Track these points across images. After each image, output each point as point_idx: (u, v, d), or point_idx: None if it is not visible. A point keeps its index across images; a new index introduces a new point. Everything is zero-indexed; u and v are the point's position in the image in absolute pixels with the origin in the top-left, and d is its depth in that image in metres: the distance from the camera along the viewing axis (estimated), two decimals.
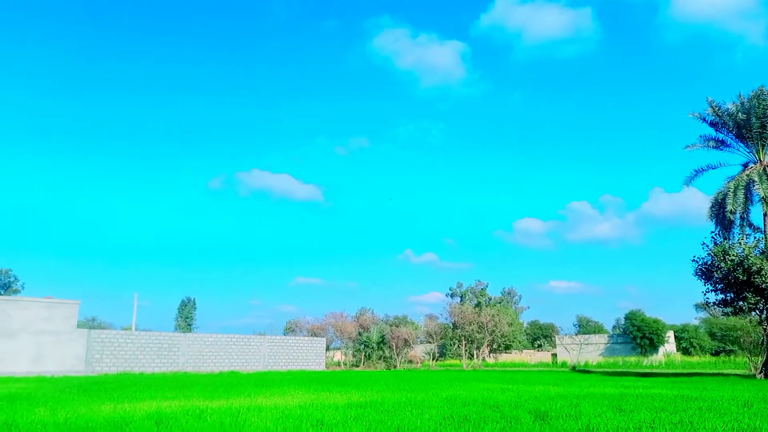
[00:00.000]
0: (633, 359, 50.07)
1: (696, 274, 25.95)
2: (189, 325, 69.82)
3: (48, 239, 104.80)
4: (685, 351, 59.07)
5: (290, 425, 6.14)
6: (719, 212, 28.29)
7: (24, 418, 6.91)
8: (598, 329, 77.04)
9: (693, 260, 26.09)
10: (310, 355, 39.00)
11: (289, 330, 52.05)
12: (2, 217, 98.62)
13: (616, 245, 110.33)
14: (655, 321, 55.09)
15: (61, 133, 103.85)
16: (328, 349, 46.66)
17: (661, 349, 54.41)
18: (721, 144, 29.52)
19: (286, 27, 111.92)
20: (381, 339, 47.41)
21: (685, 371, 32.78)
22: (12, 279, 66.04)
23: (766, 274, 22.71)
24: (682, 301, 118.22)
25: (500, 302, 66.92)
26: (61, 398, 10.55)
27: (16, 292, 64.26)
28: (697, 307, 67.94)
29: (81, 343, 29.45)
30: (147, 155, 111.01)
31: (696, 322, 64.67)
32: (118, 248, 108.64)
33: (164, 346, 32.41)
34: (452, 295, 67.06)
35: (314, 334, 45.24)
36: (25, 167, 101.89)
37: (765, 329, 25.03)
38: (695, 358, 52.69)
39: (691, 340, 60.21)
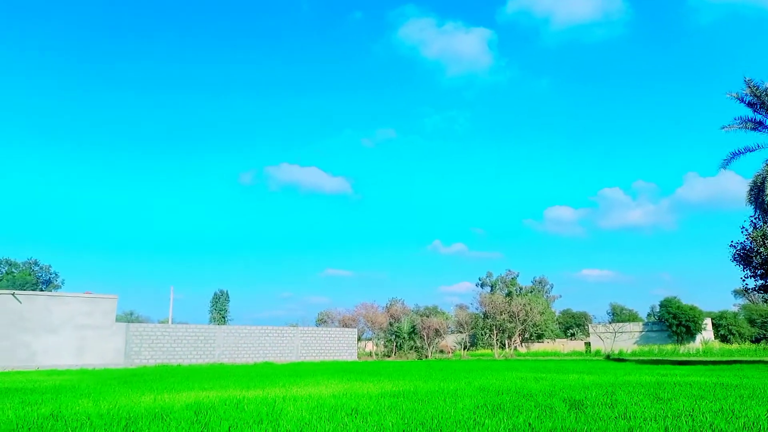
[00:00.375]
0: (669, 347, 49.10)
1: (734, 259, 25.26)
2: (223, 317, 70.95)
3: (86, 235, 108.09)
4: (724, 338, 57.69)
5: (325, 414, 6.21)
6: (758, 196, 27.49)
7: (69, 409, 7.15)
8: (632, 317, 75.72)
9: (731, 245, 25.41)
10: (342, 345, 39.35)
11: (321, 321, 52.56)
12: (43, 214, 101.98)
13: (649, 232, 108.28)
14: (692, 308, 53.91)
15: (99, 132, 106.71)
16: (359, 339, 47.00)
17: (699, 337, 53.26)
18: (759, 125, 28.61)
19: (311, 20, 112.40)
20: (412, 329, 47.49)
21: (723, 359, 32.03)
22: (52, 275, 67.97)
23: None
24: (719, 287, 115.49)
25: (531, 291, 66.30)
26: (103, 390, 10.86)
27: (56, 287, 66.19)
28: (736, 293, 66.36)
29: (120, 337, 30.28)
30: (180, 152, 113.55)
31: (734, 309, 63.17)
32: (154, 243, 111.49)
33: (200, 339, 33.09)
34: (482, 285, 66.74)
35: (345, 325, 45.60)
36: (65, 166, 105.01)
37: None
38: (734, 346, 51.39)
39: (730, 327, 58.74)
